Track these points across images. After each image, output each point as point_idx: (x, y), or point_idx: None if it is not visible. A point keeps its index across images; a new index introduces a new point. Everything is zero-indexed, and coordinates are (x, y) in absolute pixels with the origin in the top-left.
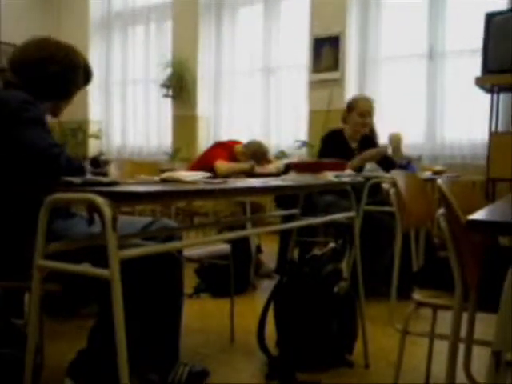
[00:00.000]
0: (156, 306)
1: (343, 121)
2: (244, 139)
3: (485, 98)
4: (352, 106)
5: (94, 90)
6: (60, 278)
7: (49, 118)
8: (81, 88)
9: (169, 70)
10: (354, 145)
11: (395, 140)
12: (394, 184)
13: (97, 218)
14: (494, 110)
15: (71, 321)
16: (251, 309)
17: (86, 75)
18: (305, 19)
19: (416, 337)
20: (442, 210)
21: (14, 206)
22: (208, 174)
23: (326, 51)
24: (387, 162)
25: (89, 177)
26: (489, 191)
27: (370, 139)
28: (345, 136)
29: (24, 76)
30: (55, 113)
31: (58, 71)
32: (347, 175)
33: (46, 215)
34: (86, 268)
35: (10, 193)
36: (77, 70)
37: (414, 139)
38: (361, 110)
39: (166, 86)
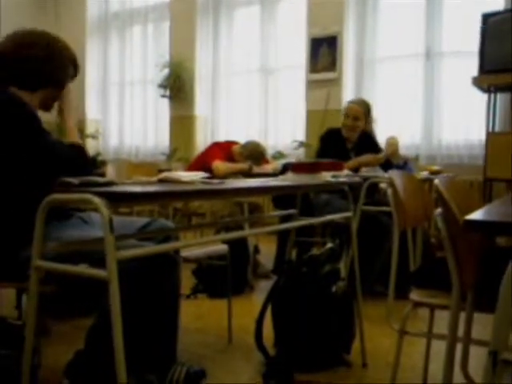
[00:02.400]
0: (153, 307)
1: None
2: (241, 139)
3: (482, 98)
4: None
5: (91, 90)
6: (58, 279)
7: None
8: (71, 77)
9: (166, 71)
10: (349, 145)
11: (392, 143)
12: (392, 184)
13: (93, 218)
14: (491, 109)
15: (69, 321)
16: (249, 309)
17: (73, 65)
18: (302, 19)
19: (413, 336)
20: (439, 210)
21: (12, 207)
22: (206, 175)
23: (324, 51)
24: (386, 163)
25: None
26: (486, 191)
27: (365, 141)
28: (342, 136)
29: (9, 68)
30: (46, 106)
31: (42, 57)
32: (344, 175)
33: (44, 216)
34: (83, 269)
35: (8, 194)
36: (62, 57)
37: (411, 139)
38: (345, 111)
39: (163, 86)
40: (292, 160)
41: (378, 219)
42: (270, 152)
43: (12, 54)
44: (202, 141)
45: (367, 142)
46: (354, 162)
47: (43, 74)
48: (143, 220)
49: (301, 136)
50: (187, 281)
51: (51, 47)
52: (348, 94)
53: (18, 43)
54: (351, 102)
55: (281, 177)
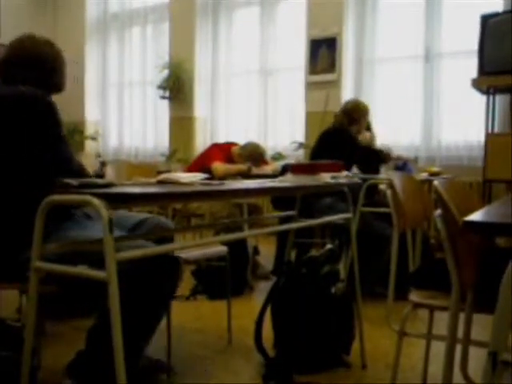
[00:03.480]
0: (148, 306)
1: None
2: (241, 141)
3: (481, 100)
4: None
5: (90, 91)
6: (58, 279)
7: None
8: None
9: (166, 72)
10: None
11: (367, 139)
12: (391, 185)
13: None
14: (490, 111)
15: (68, 322)
16: (248, 310)
17: None
18: (301, 21)
19: (413, 338)
20: (438, 211)
21: (13, 208)
22: (205, 176)
23: (323, 53)
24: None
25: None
26: (485, 192)
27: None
28: (344, 135)
29: (23, 72)
30: None
31: (55, 67)
32: (344, 176)
33: (43, 217)
34: (82, 270)
35: (10, 194)
36: (65, 65)
37: (410, 140)
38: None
39: (162, 87)
40: (291, 161)
41: (375, 229)
42: (269, 153)
43: (33, 62)
44: (201, 142)
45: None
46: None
47: (53, 84)
48: (138, 216)
49: (300, 137)
50: (186, 282)
51: (61, 58)
52: (347, 96)
53: (37, 53)
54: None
55: (280, 178)
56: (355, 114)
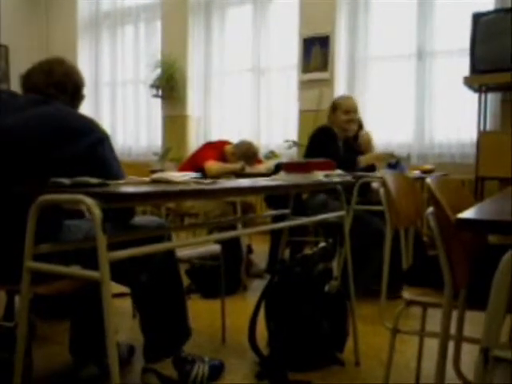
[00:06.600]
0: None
1: (330, 122)
2: (234, 139)
3: (473, 98)
4: (336, 106)
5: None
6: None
7: None
8: None
9: (158, 71)
10: (340, 143)
11: (365, 139)
12: (384, 184)
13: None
14: (482, 109)
15: (61, 324)
16: (242, 309)
17: None
18: (294, 19)
19: (406, 335)
20: (431, 209)
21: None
22: (198, 175)
23: (316, 51)
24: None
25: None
26: (477, 190)
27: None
28: (334, 133)
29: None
30: None
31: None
32: (337, 175)
33: (36, 216)
34: (75, 270)
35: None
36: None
37: (403, 138)
38: (345, 108)
39: (155, 86)
40: (285, 160)
41: (371, 225)
42: (262, 152)
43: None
44: (194, 141)
45: (353, 139)
46: (370, 157)
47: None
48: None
49: (293, 136)
50: None
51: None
52: (340, 94)
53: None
54: (349, 98)
55: (273, 176)
56: (334, 104)
